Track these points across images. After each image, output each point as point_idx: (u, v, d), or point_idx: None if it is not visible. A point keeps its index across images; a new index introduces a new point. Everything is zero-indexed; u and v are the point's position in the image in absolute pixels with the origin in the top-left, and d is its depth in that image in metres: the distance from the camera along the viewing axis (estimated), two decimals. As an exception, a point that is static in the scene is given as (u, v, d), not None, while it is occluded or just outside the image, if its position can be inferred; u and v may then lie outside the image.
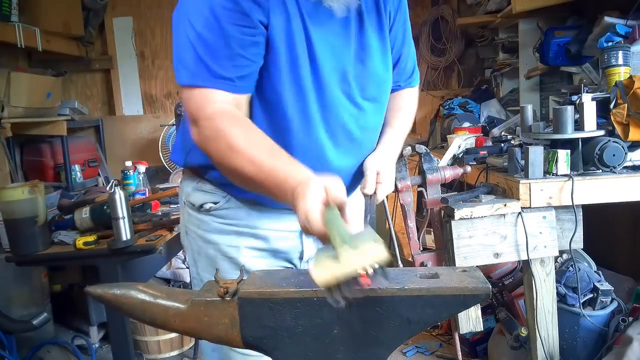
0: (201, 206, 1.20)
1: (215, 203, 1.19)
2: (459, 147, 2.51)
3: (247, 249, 1.21)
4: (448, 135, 3.02)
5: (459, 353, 2.15)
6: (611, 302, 2.12)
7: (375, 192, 1.17)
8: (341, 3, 1.03)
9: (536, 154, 1.85)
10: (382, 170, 1.18)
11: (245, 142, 0.96)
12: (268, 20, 1.01)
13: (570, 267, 2.15)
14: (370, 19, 1.13)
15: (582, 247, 2.02)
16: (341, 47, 1.09)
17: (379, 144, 1.25)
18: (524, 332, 2.12)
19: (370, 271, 0.76)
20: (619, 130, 1.84)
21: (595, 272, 2.23)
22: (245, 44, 0.99)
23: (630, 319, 1.98)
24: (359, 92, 1.13)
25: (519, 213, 1.86)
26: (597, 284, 2.11)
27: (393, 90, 1.29)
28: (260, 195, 1.15)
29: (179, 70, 1.03)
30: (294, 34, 1.03)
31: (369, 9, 1.13)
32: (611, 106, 1.88)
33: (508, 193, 1.93)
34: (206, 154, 1.02)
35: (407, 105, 1.35)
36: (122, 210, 1.88)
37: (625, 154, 1.81)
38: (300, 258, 1.25)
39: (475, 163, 2.25)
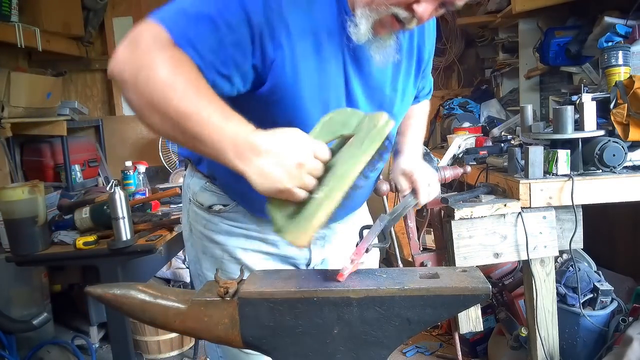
0: (210, 207, 1.19)
1: (225, 205, 1.18)
2: (459, 147, 2.51)
3: (256, 252, 1.20)
4: (448, 135, 3.02)
5: (459, 353, 2.15)
6: (611, 302, 2.12)
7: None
8: (383, 56, 1.00)
9: (536, 154, 1.85)
10: (428, 177, 1.21)
11: (199, 80, 0.85)
12: (276, 55, 0.93)
13: (570, 267, 2.15)
14: (404, 64, 1.13)
15: (582, 247, 2.02)
16: (376, 90, 1.09)
17: (406, 150, 1.28)
18: (524, 332, 2.12)
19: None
20: (619, 130, 1.84)
21: (595, 272, 2.23)
22: (234, 60, 0.91)
23: (630, 319, 1.98)
24: None
25: (519, 213, 1.86)
26: (597, 284, 2.11)
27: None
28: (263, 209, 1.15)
29: (158, 10, 0.90)
30: (333, 72, 1.00)
31: (405, 54, 1.12)
32: (611, 106, 1.88)
33: (508, 193, 1.92)
34: (126, 77, 0.84)
35: (419, 113, 1.39)
36: (122, 210, 1.88)
37: (625, 154, 1.81)
38: (307, 265, 1.26)
39: (475, 163, 2.25)
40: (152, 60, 0.83)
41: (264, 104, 0.98)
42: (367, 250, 0.93)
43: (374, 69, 1.04)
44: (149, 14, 0.92)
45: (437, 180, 1.25)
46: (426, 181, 1.18)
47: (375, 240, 0.96)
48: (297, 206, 0.84)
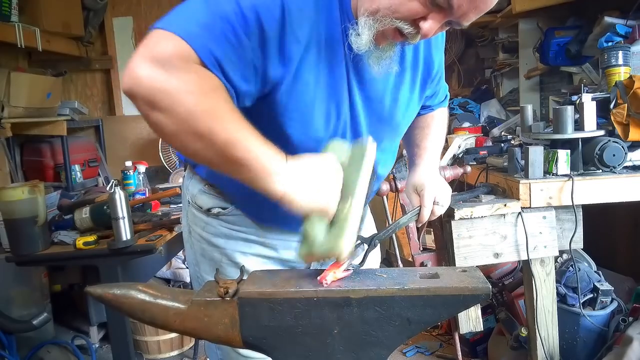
0: (209, 210, 1.18)
1: (224, 208, 1.17)
2: (459, 147, 2.51)
3: (255, 256, 1.19)
4: (448, 135, 3.02)
5: (459, 353, 2.15)
6: (611, 302, 2.12)
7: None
8: (381, 67, 0.98)
9: (536, 154, 1.85)
10: (438, 194, 1.22)
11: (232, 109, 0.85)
12: (295, 61, 0.93)
13: (570, 267, 2.15)
14: (408, 75, 1.11)
15: (582, 247, 2.02)
16: (375, 100, 1.07)
17: (419, 163, 1.29)
18: (524, 332, 2.12)
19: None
20: (619, 130, 1.84)
21: (595, 272, 2.23)
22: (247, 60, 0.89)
23: (630, 319, 1.98)
24: (378, 143, 1.12)
25: (519, 213, 1.86)
26: (597, 284, 2.11)
27: (425, 112, 1.32)
28: (268, 218, 1.14)
29: (174, 17, 0.86)
30: (336, 81, 0.98)
31: (408, 66, 1.10)
32: (611, 106, 1.88)
33: (508, 193, 1.92)
34: (161, 103, 0.80)
35: (436, 121, 1.36)
36: (122, 210, 1.88)
37: (625, 154, 1.81)
38: (307, 269, 1.25)
39: (475, 163, 2.26)
40: (191, 87, 0.81)
41: (269, 116, 0.97)
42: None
43: (374, 79, 1.02)
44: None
45: (448, 197, 1.25)
46: (432, 200, 1.21)
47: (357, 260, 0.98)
48: (329, 221, 0.90)
